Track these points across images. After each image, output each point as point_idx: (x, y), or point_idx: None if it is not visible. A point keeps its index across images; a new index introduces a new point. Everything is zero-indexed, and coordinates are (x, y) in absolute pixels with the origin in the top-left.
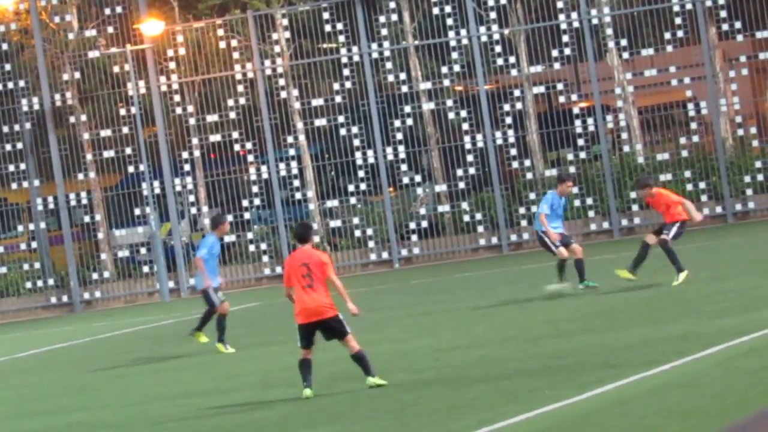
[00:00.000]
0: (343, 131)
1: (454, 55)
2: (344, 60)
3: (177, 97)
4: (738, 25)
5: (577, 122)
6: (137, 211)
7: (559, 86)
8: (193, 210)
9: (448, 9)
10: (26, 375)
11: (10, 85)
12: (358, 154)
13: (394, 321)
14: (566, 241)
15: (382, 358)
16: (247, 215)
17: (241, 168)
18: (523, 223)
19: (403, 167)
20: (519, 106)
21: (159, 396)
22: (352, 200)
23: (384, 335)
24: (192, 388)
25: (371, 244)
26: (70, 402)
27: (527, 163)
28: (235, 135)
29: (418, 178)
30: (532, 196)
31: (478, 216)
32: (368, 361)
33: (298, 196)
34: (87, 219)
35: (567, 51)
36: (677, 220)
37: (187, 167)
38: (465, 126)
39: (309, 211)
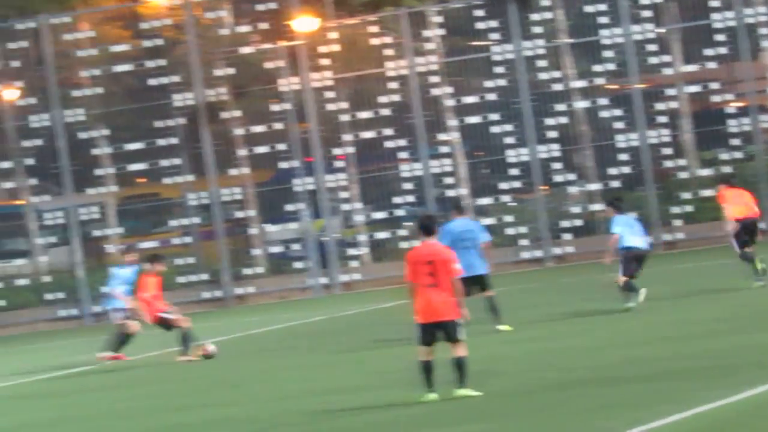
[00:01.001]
0: (495, 129)
1: (608, 53)
2: (497, 57)
3: (329, 94)
4: None
5: (732, 122)
6: (289, 207)
7: (713, 85)
8: (346, 206)
9: (601, 7)
10: (178, 369)
11: (164, 80)
12: (510, 152)
13: (546, 320)
14: None
15: (534, 357)
16: (399, 212)
17: (393, 165)
18: (677, 222)
19: (556, 165)
20: (672, 105)
21: (308, 392)
22: (505, 198)
23: (536, 334)
24: (342, 385)
25: (523, 242)
26: (220, 397)
27: (681, 162)
28: (388, 132)
29: (571, 177)
30: (686, 195)
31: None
32: (466, 371)
33: (450, 193)
34: (239, 214)
35: (722, 50)
36: None
37: (339, 163)
38: (618, 125)
39: None
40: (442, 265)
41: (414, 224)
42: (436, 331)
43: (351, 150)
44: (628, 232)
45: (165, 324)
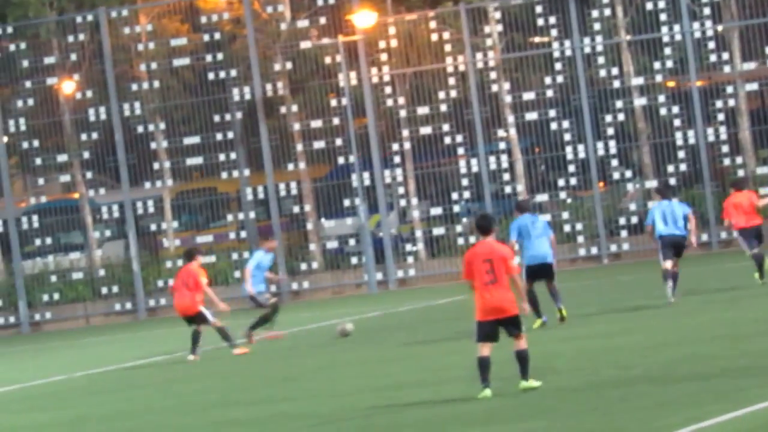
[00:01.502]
0: (553, 125)
1: (667, 50)
2: (556, 54)
3: (388, 89)
4: None
5: None
6: (346, 203)
7: None
8: (402, 202)
9: (661, 4)
10: (234, 364)
11: (222, 74)
12: (568, 149)
13: (602, 317)
14: None
15: (590, 354)
16: (456, 208)
17: (451, 160)
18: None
19: (614, 162)
20: (731, 102)
21: (365, 388)
22: (562, 195)
23: (592, 331)
24: (398, 380)
25: (580, 239)
26: (276, 392)
27: (738, 160)
28: (446, 128)
29: (628, 174)
30: None
31: None
32: (528, 363)
33: (507, 189)
34: (296, 209)
35: None
36: None
37: (396, 159)
38: (676, 122)
39: None
40: (500, 262)
41: (470, 222)
42: (497, 328)
43: (409, 146)
44: (660, 219)
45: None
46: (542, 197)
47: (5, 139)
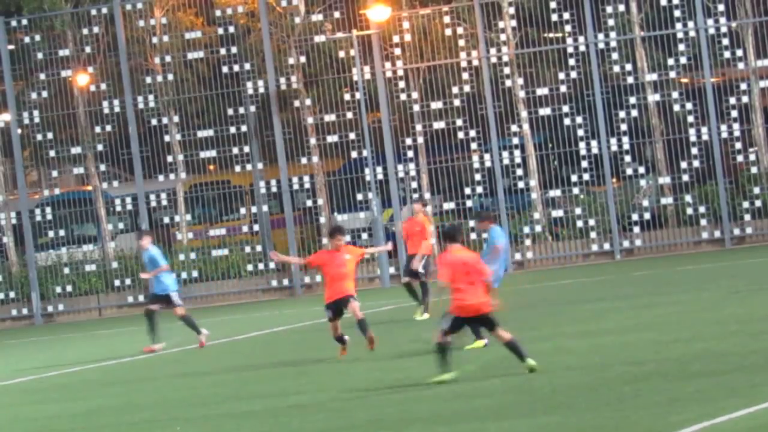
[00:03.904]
0: (567, 121)
1: (681, 47)
2: (570, 50)
3: (401, 84)
4: None
5: None
6: (359, 197)
7: None
8: (416, 196)
9: (675, 0)
10: (246, 357)
11: (236, 68)
12: (581, 144)
13: (614, 313)
14: None
15: (603, 350)
16: (469, 203)
17: (464, 155)
18: (747, 217)
19: (627, 158)
20: (745, 99)
21: (377, 381)
22: (575, 190)
23: (604, 327)
24: (410, 375)
25: (593, 234)
26: (289, 385)
27: (752, 157)
28: (459, 122)
29: (641, 170)
30: (757, 190)
31: (701, 209)
32: (520, 347)
33: (520, 185)
34: (309, 203)
35: None
36: None
37: (410, 153)
38: (690, 118)
39: (531, 200)
40: (475, 264)
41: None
42: (471, 323)
43: (422, 140)
44: None
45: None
46: (555, 193)
47: (19, 131)
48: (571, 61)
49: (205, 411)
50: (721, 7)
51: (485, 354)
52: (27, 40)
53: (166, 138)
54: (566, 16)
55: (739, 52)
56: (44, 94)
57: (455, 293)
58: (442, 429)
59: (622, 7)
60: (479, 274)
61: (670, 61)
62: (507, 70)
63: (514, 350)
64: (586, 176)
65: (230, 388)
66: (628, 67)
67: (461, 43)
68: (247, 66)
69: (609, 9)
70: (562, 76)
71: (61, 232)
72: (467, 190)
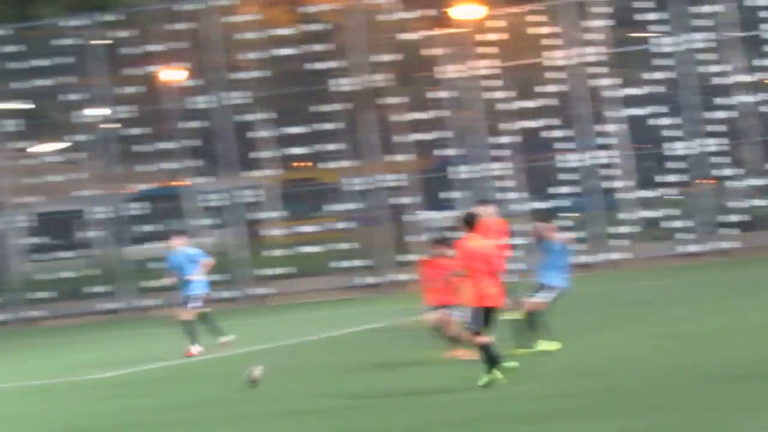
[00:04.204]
0: (658, 121)
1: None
2: (661, 50)
3: (492, 82)
4: None
5: None
6: (447, 195)
7: None
8: (506, 196)
9: (761, 2)
10: (304, 357)
11: (326, 65)
12: (673, 145)
13: (708, 314)
14: None
15: (696, 351)
16: (557, 203)
17: (555, 155)
18: None
19: (720, 159)
20: None
21: (462, 381)
22: (667, 191)
23: (697, 328)
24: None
25: (685, 236)
26: (342, 387)
27: None
28: (549, 122)
29: (734, 171)
30: None
31: None
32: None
33: (611, 184)
34: (398, 201)
35: None
36: None
37: (499, 152)
38: None
39: (621, 200)
40: (494, 255)
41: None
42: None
43: (513, 139)
44: None
45: None
46: (647, 193)
47: (110, 126)
48: (663, 62)
49: (296, 406)
50: None
51: (580, 354)
52: (117, 35)
53: (255, 134)
54: (657, 16)
55: None
56: (134, 89)
57: (474, 282)
58: (532, 428)
59: (714, 8)
60: (496, 263)
61: (764, 62)
62: (598, 70)
63: (488, 354)
64: (678, 177)
65: (318, 384)
66: (720, 67)
67: (551, 42)
68: (337, 63)
69: (701, 9)
70: (653, 76)
71: (151, 228)
72: (556, 190)
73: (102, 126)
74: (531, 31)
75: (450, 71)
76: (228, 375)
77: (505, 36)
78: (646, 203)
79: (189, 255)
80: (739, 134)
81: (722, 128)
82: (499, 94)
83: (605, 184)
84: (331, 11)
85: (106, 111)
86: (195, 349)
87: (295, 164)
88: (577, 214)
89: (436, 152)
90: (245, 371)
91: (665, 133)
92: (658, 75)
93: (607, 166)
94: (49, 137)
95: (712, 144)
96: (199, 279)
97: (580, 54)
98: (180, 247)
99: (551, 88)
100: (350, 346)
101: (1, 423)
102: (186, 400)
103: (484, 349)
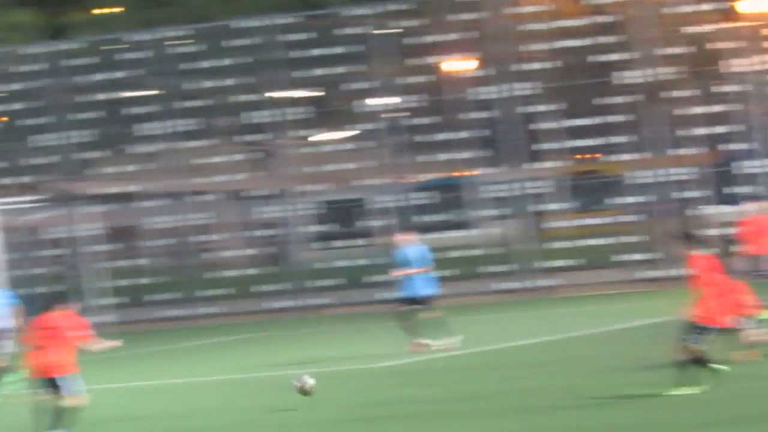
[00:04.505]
0: None
1: None
2: None
3: None
4: None
5: None
6: (731, 190)
7: None
8: None
9: None
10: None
11: (613, 57)
12: None
13: None
14: None
15: None
16: None
17: None
18: None
19: None
20: None
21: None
22: None
23: None
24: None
25: None
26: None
27: None
28: None
29: None
30: None
31: None
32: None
33: None
34: (683, 195)
35: None
36: None
37: None
38: None
39: None
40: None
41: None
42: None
43: None
44: None
45: None
46: None
47: (393, 115)
48: None
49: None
50: None
51: None
52: (402, 25)
53: (539, 126)
54: None
55: None
56: (420, 79)
57: (705, 298)
58: None
59: None
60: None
61: None
62: None
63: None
64: None
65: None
66: None
67: None
68: (624, 56)
69: None
70: None
71: (433, 217)
72: None
73: (385, 115)
74: None
75: (737, 65)
76: (497, 368)
77: None
78: None
79: (417, 252)
80: None
81: None
82: None
83: None
84: (619, 3)
85: (390, 100)
86: (449, 341)
87: (579, 156)
88: None
89: (721, 147)
90: (295, 380)
91: None
92: None
93: None
94: (333, 126)
95: None
96: (426, 276)
97: None
98: (407, 243)
99: None
100: (627, 341)
101: (304, 408)
102: (458, 392)
103: (700, 361)
